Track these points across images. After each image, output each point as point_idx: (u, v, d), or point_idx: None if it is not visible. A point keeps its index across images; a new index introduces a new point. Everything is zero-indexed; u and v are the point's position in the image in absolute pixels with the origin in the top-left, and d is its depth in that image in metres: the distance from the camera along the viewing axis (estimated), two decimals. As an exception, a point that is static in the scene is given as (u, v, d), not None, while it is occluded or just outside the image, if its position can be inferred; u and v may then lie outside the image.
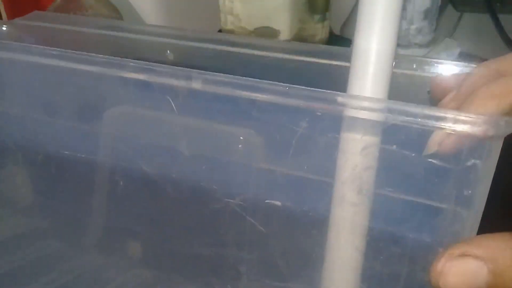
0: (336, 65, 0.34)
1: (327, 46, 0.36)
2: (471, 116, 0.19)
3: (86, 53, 0.27)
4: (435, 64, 0.31)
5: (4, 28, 0.43)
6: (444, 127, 0.20)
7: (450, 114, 0.20)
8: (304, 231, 0.27)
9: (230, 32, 0.49)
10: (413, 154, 0.22)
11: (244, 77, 0.24)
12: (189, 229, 0.32)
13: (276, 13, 0.48)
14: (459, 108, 0.23)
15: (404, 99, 0.21)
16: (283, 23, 0.48)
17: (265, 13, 0.48)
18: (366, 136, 0.22)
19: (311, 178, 0.26)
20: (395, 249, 0.24)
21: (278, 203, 0.27)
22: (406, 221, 0.24)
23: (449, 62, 0.31)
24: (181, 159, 0.29)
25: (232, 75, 0.24)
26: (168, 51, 0.39)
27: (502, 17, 0.52)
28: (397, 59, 0.25)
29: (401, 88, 0.31)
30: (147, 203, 0.33)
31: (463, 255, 0.20)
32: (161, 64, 0.26)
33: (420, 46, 0.50)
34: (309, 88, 0.22)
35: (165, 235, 0.34)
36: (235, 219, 0.29)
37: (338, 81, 0.24)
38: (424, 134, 0.21)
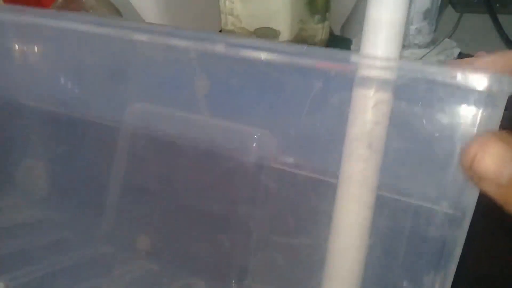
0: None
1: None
2: (476, 73, 0.21)
3: (112, 18, 0.29)
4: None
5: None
6: (450, 83, 0.21)
7: (456, 71, 0.21)
8: (315, 188, 0.29)
9: (231, 32, 0.49)
10: (421, 111, 0.23)
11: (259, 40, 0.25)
12: (203, 185, 0.34)
13: (276, 13, 0.48)
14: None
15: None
16: (283, 24, 0.48)
17: (266, 14, 0.48)
18: (378, 93, 0.24)
19: (322, 136, 0.27)
20: (401, 204, 0.25)
21: (291, 159, 0.29)
22: (412, 177, 0.25)
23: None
24: (199, 121, 0.31)
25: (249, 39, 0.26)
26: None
27: (501, 17, 0.53)
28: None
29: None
30: (165, 164, 0.35)
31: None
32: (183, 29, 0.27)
33: (419, 46, 0.51)
34: (323, 48, 0.24)
35: (179, 196, 0.35)
36: (248, 177, 0.31)
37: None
38: (432, 90, 0.22)
